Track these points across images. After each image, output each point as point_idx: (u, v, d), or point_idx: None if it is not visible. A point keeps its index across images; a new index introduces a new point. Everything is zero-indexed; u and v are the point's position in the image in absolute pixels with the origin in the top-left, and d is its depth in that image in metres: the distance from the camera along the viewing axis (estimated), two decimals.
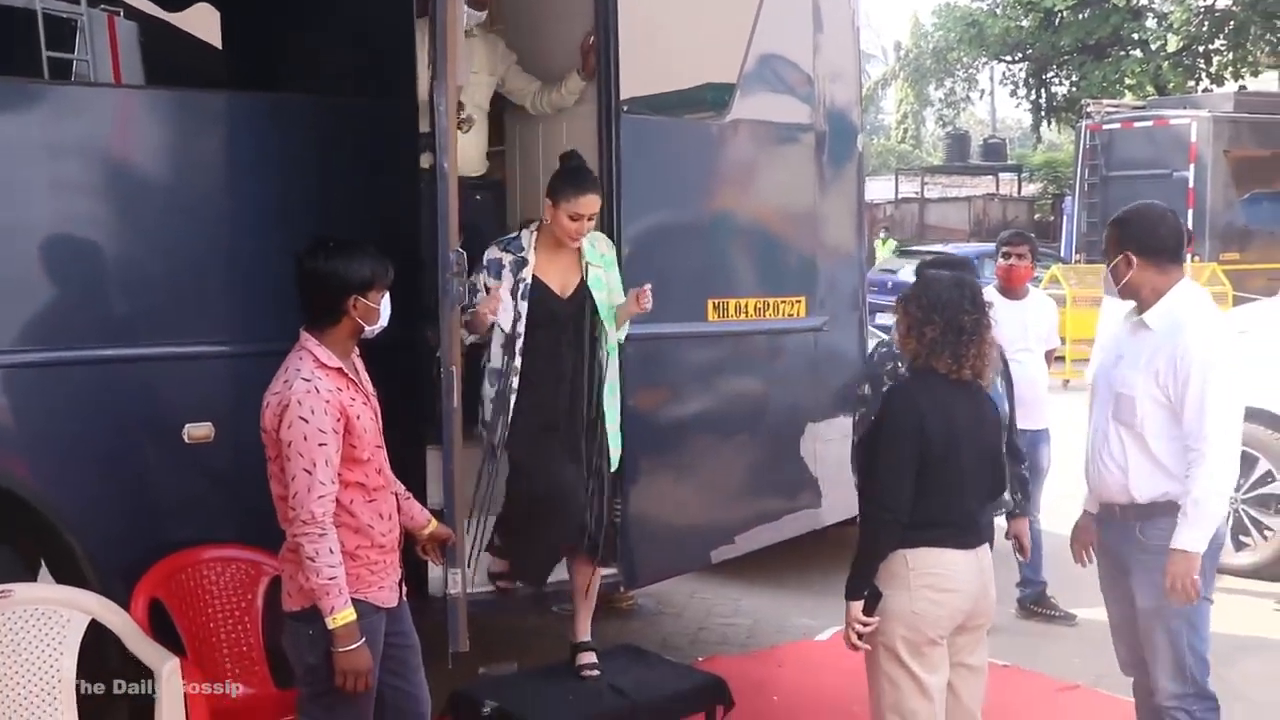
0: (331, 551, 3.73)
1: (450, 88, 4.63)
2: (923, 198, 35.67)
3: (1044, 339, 7.03)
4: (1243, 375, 4.53)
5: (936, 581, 4.01)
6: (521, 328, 4.90)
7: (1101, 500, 4.48)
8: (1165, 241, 4.31)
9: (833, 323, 6.30)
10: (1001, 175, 36.45)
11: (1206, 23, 31.23)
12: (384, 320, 4.00)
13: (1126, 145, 20.47)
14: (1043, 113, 35.60)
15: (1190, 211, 18.47)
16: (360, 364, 4.07)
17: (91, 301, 4.60)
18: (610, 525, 5.16)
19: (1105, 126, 20.94)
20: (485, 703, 5.17)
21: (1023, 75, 34.83)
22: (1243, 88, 29.18)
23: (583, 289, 4.96)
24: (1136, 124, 20.72)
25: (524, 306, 4.87)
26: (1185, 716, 4.26)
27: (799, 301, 6.12)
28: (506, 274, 4.88)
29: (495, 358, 4.99)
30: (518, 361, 4.91)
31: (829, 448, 6.32)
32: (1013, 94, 36.22)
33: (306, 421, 3.74)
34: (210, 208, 4.85)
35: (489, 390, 4.99)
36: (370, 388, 4.05)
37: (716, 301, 5.73)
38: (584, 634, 5.25)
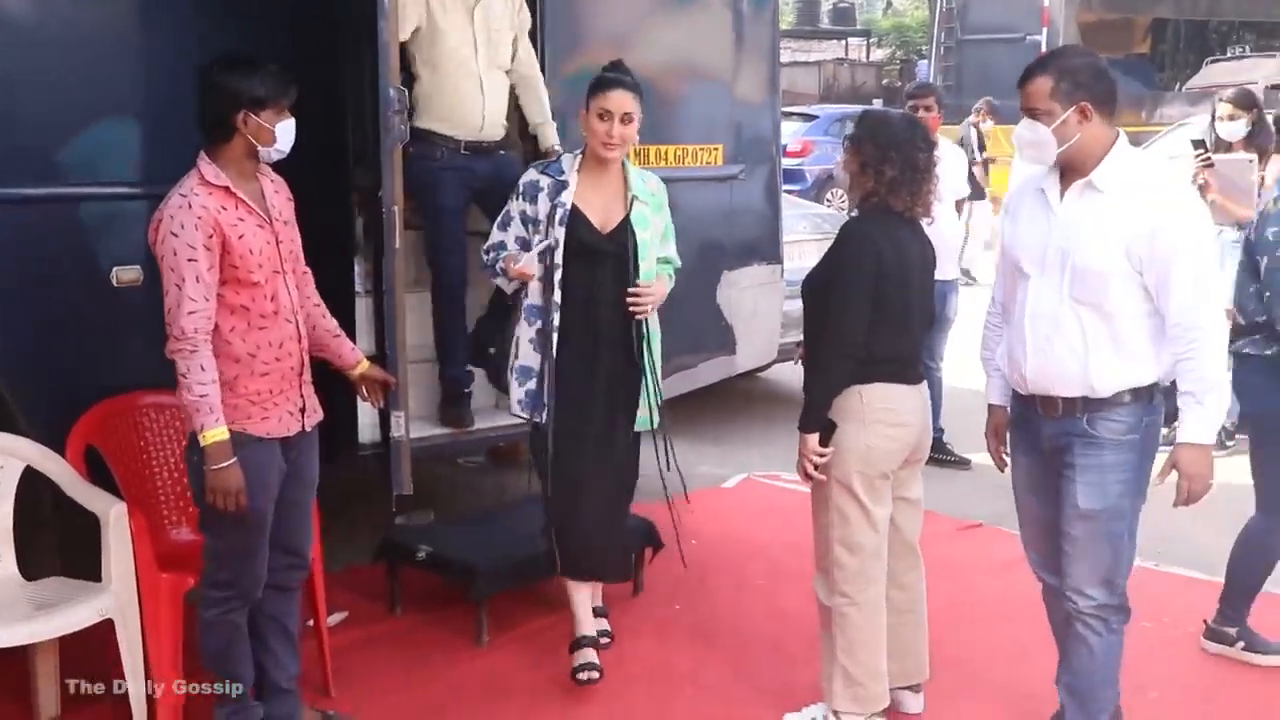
0: (203, 369, 3.74)
1: None
2: None
3: (954, 190, 7.17)
4: None
5: (889, 416, 4.13)
6: (560, 258, 4.41)
7: (1037, 392, 3.86)
8: (1112, 88, 3.73)
9: (748, 171, 6.37)
10: (850, 40, 36.64)
11: None
12: (282, 144, 3.91)
13: (981, 10, 20.85)
14: None
15: None
16: (272, 190, 4.01)
17: (15, 140, 4.45)
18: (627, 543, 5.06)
19: None
20: (419, 548, 5.23)
21: None
22: None
23: (625, 226, 4.43)
24: None
25: (560, 233, 4.38)
26: (1102, 626, 3.89)
27: (716, 149, 6.17)
28: (543, 199, 4.43)
29: (533, 293, 4.52)
30: (557, 295, 4.42)
31: (744, 295, 6.44)
32: None
33: (176, 236, 3.74)
34: (134, 52, 4.75)
35: (527, 330, 4.52)
36: (281, 214, 4.01)
37: (638, 148, 5.67)
38: (595, 599, 4.94)
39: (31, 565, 4.32)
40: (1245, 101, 7.24)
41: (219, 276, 3.77)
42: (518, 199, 4.50)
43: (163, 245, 3.77)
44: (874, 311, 4.04)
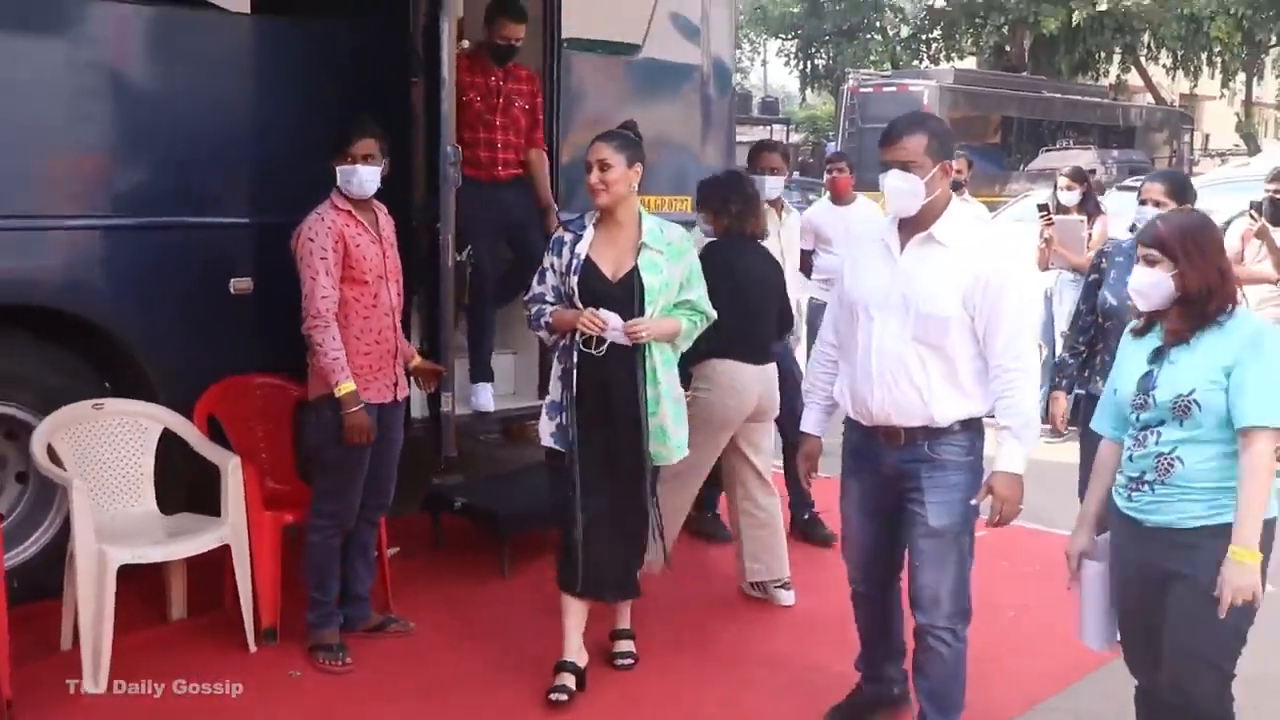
0: (334, 339, 3.85)
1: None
2: None
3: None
4: None
5: (732, 383, 4.46)
6: (578, 304, 3.72)
7: (881, 423, 3.30)
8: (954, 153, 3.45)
9: None
10: (775, 126, 36.68)
11: (928, 17, 32.00)
12: (360, 186, 3.95)
13: (877, 105, 20.92)
14: (807, 80, 35.91)
15: None
16: (383, 218, 4.11)
17: (160, 182, 4.48)
18: (637, 564, 4.02)
19: (861, 90, 21.43)
20: (456, 499, 5.23)
21: (793, 50, 35.01)
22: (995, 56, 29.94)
23: (634, 273, 3.70)
24: (884, 89, 21.30)
25: (574, 282, 3.70)
26: (952, 637, 3.33)
27: (686, 200, 6.16)
28: (565, 252, 3.76)
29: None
30: (579, 336, 3.70)
31: None
32: (785, 64, 36.45)
33: (312, 241, 3.87)
34: (249, 117, 4.76)
35: (556, 368, 3.85)
36: (387, 235, 4.10)
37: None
38: (620, 622, 4.16)
39: (166, 503, 4.31)
40: (1078, 176, 7.35)
41: (339, 275, 3.88)
42: (549, 254, 3.85)
43: (302, 248, 3.88)
44: (730, 307, 4.19)
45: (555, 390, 3.85)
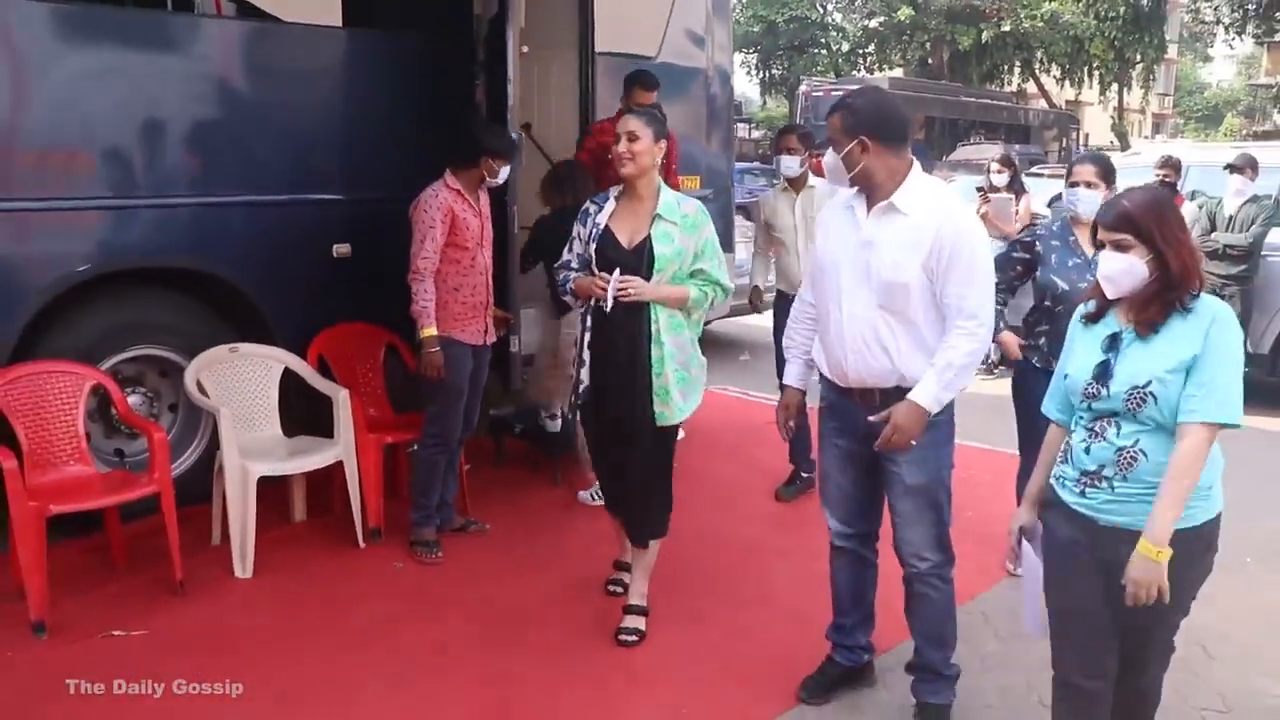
0: (427, 292, 3.86)
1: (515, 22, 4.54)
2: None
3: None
4: None
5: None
6: (595, 269, 3.32)
7: (856, 386, 2.85)
8: (898, 126, 2.80)
9: (714, 194, 6.35)
10: (739, 124, 36.49)
11: (864, 35, 31.96)
12: (501, 178, 4.03)
13: (827, 106, 20.51)
14: (766, 87, 35.67)
15: None
16: (484, 196, 4.10)
17: (275, 164, 4.46)
18: (664, 508, 3.49)
19: (813, 94, 21.30)
20: (516, 424, 5.26)
21: (754, 62, 34.73)
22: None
23: (646, 242, 3.25)
24: (832, 93, 20.93)
25: (591, 250, 3.31)
26: (939, 581, 2.92)
27: (696, 179, 6.18)
28: (590, 220, 3.37)
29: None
30: (592, 302, 3.35)
31: None
32: (747, 74, 36.12)
33: (426, 212, 3.88)
34: (354, 113, 4.74)
35: (575, 332, 3.51)
36: (485, 210, 4.08)
37: None
38: (636, 597, 3.55)
39: (287, 427, 4.33)
40: (1007, 161, 7.38)
41: (446, 240, 3.88)
42: (577, 224, 3.44)
43: (418, 216, 3.90)
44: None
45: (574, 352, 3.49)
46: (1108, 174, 3.70)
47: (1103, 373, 2.22)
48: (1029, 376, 3.73)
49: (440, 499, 4.19)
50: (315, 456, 4.06)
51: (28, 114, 3.79)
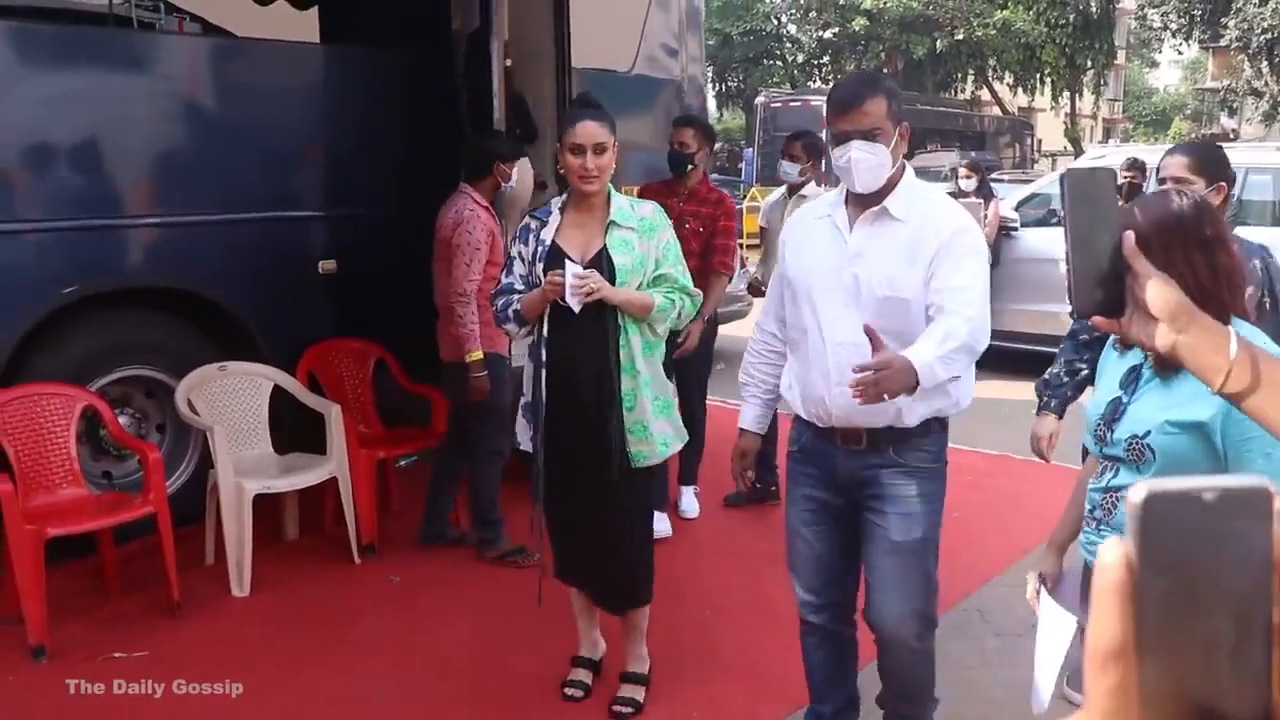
0: (473, 314, 3.83)
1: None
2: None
3: None
4: None
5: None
6: None
7: (840, 424, 2.39)
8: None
9: None
10: None
11: (819, 46, 32.42)
12: (513, 181, 4.08)
13: (785, 116, 20.89)
14: (722, 99, 35.98)
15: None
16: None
17: (262, 184, 4.46)
18: (646, 567, 3.02)
19: (771, 105, 21.41)
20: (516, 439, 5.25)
21: (710, 74, 35.03)
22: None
23: (603, 253, 2.80)
24: (791, 104, 21.22)
25: (539, 270, 2.82)
26: (919, 644, 2.49)
27: None
28: (532, 239, 2.88)
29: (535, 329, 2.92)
30: (545, 329, 2.83)
31: None
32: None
33: (471, 234, 3.85)
34: (330, 128, 4.72)
35: (528, 367, 2.92)
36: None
37: (625, 188, 5.72)
38: (635, 661, 3.14)
39: (278, 444, 4.30)
40: (975, 166, 7.61)
41: (487, 259, 3.87)
42: (515, 243, 2.94)
43: (460, 237, 3.84)
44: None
45: (528, 389, 2.92)
46: (1205, 165, 2.78)
47: (1113, 413, 1.92)
48: None
49: (436, 510, 4.20)
50: (309, 474, 4.05)
51: (7, 135, 3.77)
